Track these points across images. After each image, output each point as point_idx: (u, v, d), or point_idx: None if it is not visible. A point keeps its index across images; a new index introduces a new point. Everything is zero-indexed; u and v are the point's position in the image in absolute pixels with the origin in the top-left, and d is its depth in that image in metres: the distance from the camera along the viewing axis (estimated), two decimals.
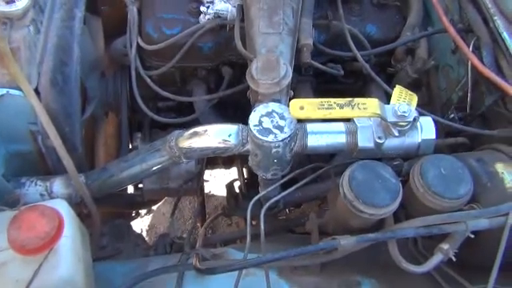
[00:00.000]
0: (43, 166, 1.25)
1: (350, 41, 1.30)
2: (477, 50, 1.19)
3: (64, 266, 0.96)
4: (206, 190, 2.22)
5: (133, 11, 1.39)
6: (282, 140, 0.96)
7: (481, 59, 1.16)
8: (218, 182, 2.32)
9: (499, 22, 1.16)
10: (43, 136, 1.15)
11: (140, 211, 2.08)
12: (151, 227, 2.41)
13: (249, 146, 1.02)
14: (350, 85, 1.53)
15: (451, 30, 1.20)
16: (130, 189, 1.66)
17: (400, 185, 0.93)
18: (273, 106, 1.00)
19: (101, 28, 1.59)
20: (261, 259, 0.94)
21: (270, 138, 0.96)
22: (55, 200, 1.07)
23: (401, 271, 1.01)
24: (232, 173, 2.00)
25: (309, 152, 1.04)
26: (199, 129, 1.04)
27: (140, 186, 1.57)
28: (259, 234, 1.02)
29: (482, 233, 0.95)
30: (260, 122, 0.98)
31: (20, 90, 1.06)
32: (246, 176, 1.81)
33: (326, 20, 1.39)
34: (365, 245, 0.95)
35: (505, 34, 1.14)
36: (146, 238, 2.00)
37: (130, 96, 1.55)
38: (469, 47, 1.19)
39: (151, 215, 2.44)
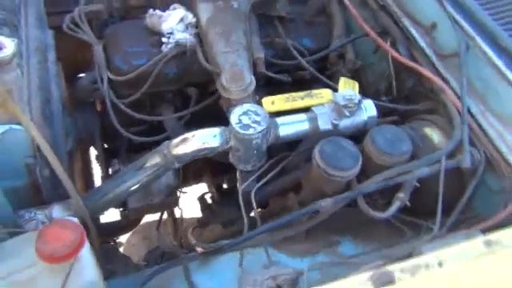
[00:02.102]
0: (35, 199, 1.34)
1: (294, 51, 1.56)
2: (393, 46, 1.49)
3: (89, 271, 1.07)
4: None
5: (99, 50, 1.55)
6: (261, 131, 1.17)
7: (398, 53, 1.47)
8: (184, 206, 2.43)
9: (406, 23, 1.48)
10: (41, 166, 1.25)
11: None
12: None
13: (232, 143, 1.22)
14: (295, 91, 1.79)
15: (372, 33, 1.50)
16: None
17: (359, 151, 1.18)
18: (247, 106, 1.21)
19: (62, 71, 1.72)
20: (259, 229, 1.12)
21: (251, 131, 1.17)
22: (68, 218, 1.18)
23: (370, 228, 1.24)
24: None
25: (281, 141, 1.26)
26: (188, 135, 1.22)
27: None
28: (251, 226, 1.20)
29: (425, 181, 1.22)
30: (240, 120, 1.18)
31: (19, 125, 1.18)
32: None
33: (269, 38, 1.64)
34: (341, 204, 1.17)
35: (412, 31, 1.46)
36: None
37: (101, 128, 1.68)
38: None
39: (122, 248, 2.49)
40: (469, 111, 1.26)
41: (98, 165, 1.75)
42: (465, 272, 0.86)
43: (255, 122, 1.18)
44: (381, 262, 1.03)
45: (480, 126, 1.24)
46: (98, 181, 1.90)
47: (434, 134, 1.31)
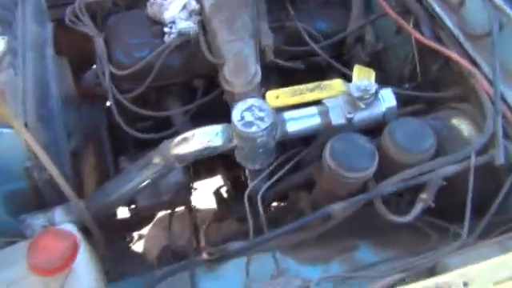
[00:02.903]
0: (37, 202, 1.29)
1: (305, 36, 1.43)
2: (416, 27, 1.34)
3: (84, 281, 1.01)
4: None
5: (100, 42, 1.47)
6: (265, 129, 1.06)
7: (422, 34, 1.32)
8: (201, 197, 2.38)
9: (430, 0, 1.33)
10: (39, 170, 1.20)
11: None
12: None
13: (235, 142, 1.12)
14: (310, 79, 1.66)
15: (392, 12, 1.35)
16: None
17: (375, 148, 1.06)
18: (251, 101, 1.11)
19: (68, 65, 1.66)
20: (266, 236, 1.03)
21: (254, 129, 1.06)
22: (63, 225, 1.12)
23: (391, 231, 1.12)
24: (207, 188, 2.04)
25: (290, 137, 1.15)
26: (187, 134, 1.13)
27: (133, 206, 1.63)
28: (258, 228, 1.11)
29: (453, 179, 1.08)
30: (242, 117, 1.08)
31: (11, 128, 1.12)
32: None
33: (280, 22, 1.52)
34: (355, 208, 1.05)
35: (437, 9, 1.30)
36: None
37: (108, 123, 1.62)
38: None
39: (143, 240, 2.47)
40: (502, 98, 1.10)
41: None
42: None
43: (259, 118, 1.08)
44: (400, 275, 0.91)
45: None
46: None
47: (463, 126, 1.16)
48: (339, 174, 1.02)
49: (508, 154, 1.06)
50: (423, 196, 1.07)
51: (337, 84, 1.08)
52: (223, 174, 1.89)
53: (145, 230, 2.50)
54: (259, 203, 1.11)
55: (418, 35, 1.29)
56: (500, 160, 1.05)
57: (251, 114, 1.08)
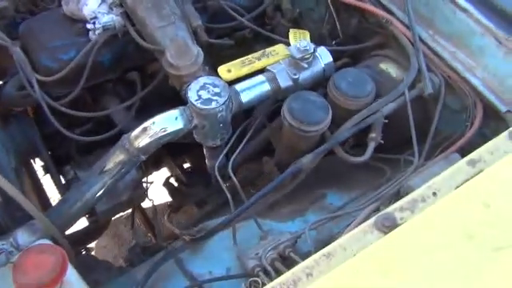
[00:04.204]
0: None
1: (231, 12, 1.48)
2: None
3: None
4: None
5: (17, 51, 1.37)
6: (224, 103, 1.11)
7: None
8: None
9: None
10: None
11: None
12: None
13: (196, 121, 1.14)
14: (240, 54, 1.71)
15: None
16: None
17: (326, 101, 1.15)
18: (202, 79, 1.14)
19: None
20: (249, 202, 1.08)
21: (213, 104, 1.10)
22: (39, 241, 1.07)
23: (349, 174, 1.24)
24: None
25: (245, 107, 1.20)
26: (147, 123, 1.13)
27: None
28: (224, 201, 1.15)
29: (391, 117, 1.22)
30: (199, 96, 1.11)
31: None
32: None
33: (202, 2, 1.54)
34: (320, 157, 1.15)
35: None
36: None
37: (43, 137, 1.53)
38: None
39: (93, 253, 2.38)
40: (419, 38, 1.26)
41: (45, 176, 1.60)
42: (459, 195, 0.87)
43: (215, 94, 1.11)
44: (374, 205, 1.03)
45: (433, 50, 1.25)
46: (49, 193, 1.76)
47: (391, 69, 1.31)
48: (301, 130, 1.11)
49: (433, 83, 1.22)
50: (373, 135, 1.20)
51: (280, 49, 1.15)
52: (169, 163, 1.89)
53: (92, 244, 2.42)
54: (231, 174, 1.15)
55: None
56: (428, 90, 1.21)
57: (207, 92, 1.11)
